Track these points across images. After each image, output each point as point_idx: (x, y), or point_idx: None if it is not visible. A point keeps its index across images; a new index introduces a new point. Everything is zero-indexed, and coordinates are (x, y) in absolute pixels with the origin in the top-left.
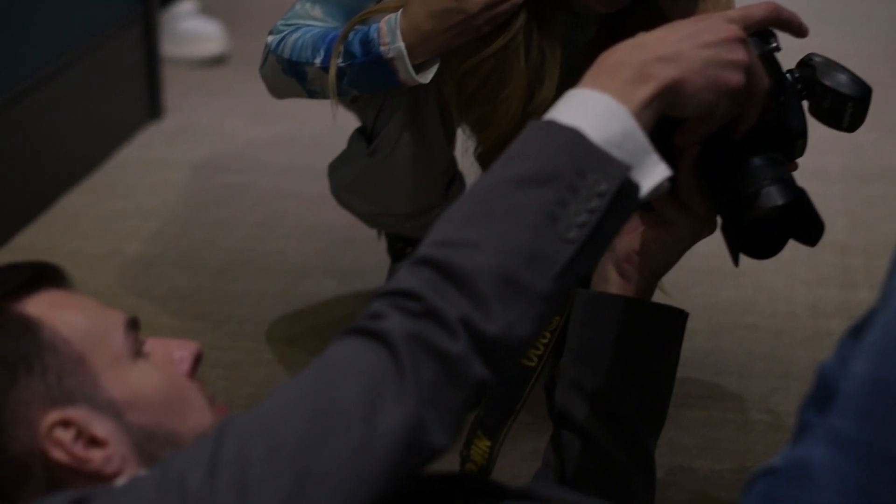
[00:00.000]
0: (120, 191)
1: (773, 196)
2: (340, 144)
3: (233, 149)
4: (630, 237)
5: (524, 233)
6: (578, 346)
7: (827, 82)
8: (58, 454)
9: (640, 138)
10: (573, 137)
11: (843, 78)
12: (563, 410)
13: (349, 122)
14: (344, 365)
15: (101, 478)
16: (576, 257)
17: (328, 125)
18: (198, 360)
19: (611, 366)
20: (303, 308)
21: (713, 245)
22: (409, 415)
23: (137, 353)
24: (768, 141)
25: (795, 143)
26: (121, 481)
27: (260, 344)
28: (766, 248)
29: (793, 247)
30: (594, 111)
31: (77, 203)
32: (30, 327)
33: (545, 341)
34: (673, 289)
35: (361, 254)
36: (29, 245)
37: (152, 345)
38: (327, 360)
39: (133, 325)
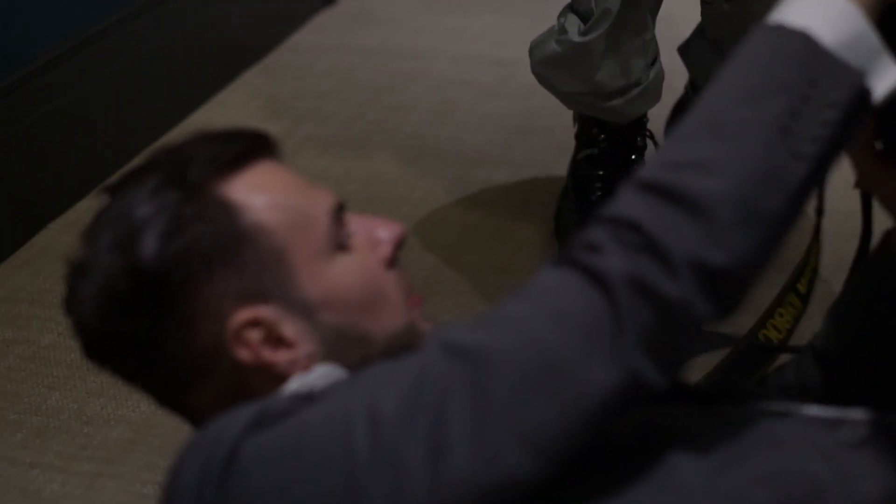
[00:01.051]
0: (294, 73)
1: None
2: (511, 35)
3: (406, 35)
4: None
5: (757, 150)
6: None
7: None
8: (244, 354)
9: (872, 39)
10: (804, 42)
11: None
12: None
13: (520, 12)
14: (559, 308)
15: (283, 378)
16: (810, 175)
17: (498, 17)
18: (400, 244)
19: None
20: (477, 194)
21: None
22: (625, 369)
23: (339, 245)
24: None
25: None
26: (303, 380)
27: (435, 229)
28: None
29: None
30: (824, 11)
31: (252, 84)
32: (230, 215)
33: (789, 326)
34: None
35: (536, 143)
36: (203, 123)
37: (355, 225)
38: (540, 296)
39: (339, 209)
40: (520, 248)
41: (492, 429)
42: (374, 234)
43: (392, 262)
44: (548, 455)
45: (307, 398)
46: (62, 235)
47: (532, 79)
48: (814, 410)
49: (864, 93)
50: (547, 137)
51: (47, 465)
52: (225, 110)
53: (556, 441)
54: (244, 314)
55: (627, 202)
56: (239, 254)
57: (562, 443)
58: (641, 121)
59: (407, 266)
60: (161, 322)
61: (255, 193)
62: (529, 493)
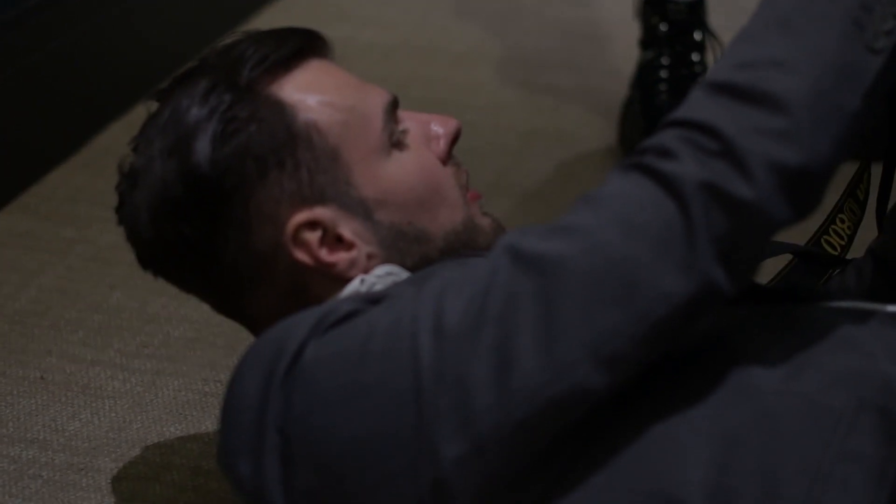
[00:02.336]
0: None
1: None
2: None
3: None
4: None
5: (831, 45)
6: None
7: None
8: (302, 256)
9: None
10: None
11: None
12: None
13: None
14: (629, 216)
15: (343, 279)
16: (884, 69)
17: None
18: (455, 139)
19: None
20: (541, 100)
21: None
22: (698, 278)
23: (394, 143)
24: None
25: None
26: (366, 280)
27: (497, 134)
28: None
29: None
30: None
31: None
32: (284, 116)
33: (850, 233)
34: None
35: (600, 49)
36: (263, 27)
37: (409, 122)
38: (610, 203)
39: (393, 106)
40: (584, 154)
41: (560, 340)
42: (429, 129)
43: (447, 158)
44: (618, 366)
45: (372, 301)
46: (122, 136)
47: None
48: (892, 308)
49: None
50: (611, 44)
51: (108, 362)
52: (286, 15)
53: (627, 352)
54: (301, 216)
55: (700, 105)
56: (294, 154)
57: (632, 353)
58: (702, 6)
59: (471, 170)
60: (218, 226)
61: (308, 93)
62: (598, 403)
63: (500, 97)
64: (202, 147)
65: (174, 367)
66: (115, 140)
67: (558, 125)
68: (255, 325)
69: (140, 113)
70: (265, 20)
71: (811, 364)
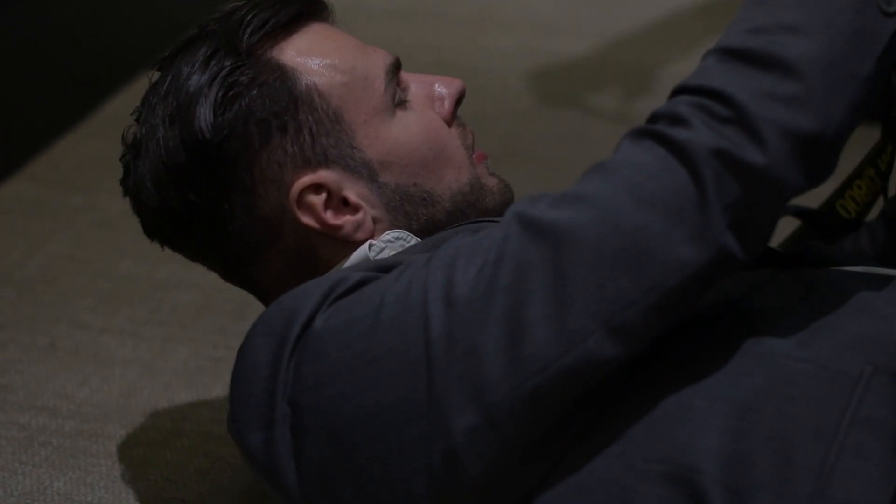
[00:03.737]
0: None
1: None
2: None
3: None
4: None
5: (844, 8)
6: None
7: None
8: (307, 219)
9: None
10: None
11: None
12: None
13: None
14: (641, 184)
15: (350, 242)
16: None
17: None
18: (459, 100)
19: None
20: (549, 64)
21: None
22: (711, 246)
23: (397, 103)
24: None
25: None
26: (373, 245)
27: (506, 99)
28: None
29: None
30: None
31: None
32: (286, 79)
33: (867, 200)
34: None
35: (609, 14)
36: None
37: (414, 83)
38: (622, 171)
39: (395, 68)
40: (594, 117)
41: (572, 310)
42: (433, 90)
43: (452, 118)
44: (630, 335)
45: (382, 269)
46: (130, 103)
47: None
48: None
49: None
50: (620, 9)
51: (118, 329)
52: None
53: (638, 321)
54: (305, 178)
55: (713, 71)
56: (296, 117)
57: (644, 322)
58: None
59: (480, 134)
60: (223, 192)
61: (309, 56)
62: (611, 372)
63: (508, 62)
64: (204, 113)
65: (183, 333)
66: (123, 107)
67: (567, 90)
68: (263, 293)
69: (147, 80)
70: None
71: (825, 329)
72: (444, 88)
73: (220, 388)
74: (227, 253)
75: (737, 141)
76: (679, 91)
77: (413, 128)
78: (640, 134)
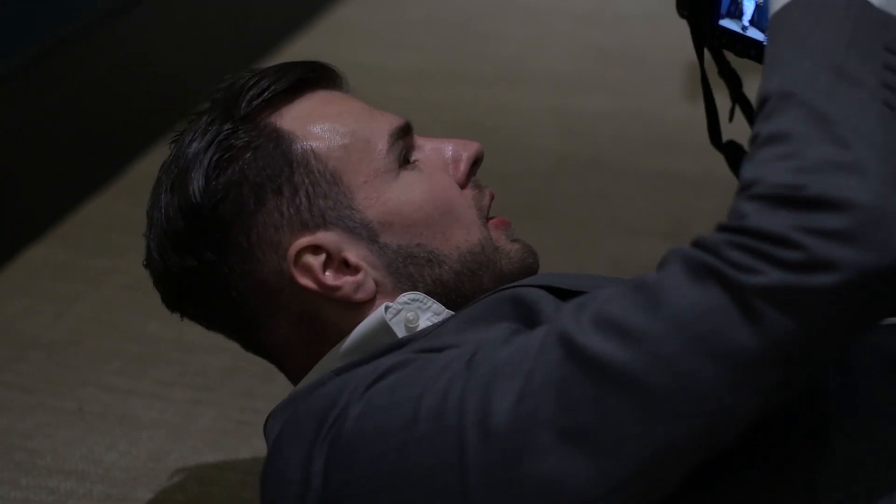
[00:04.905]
0: (387, 4)
1: None
2: None
3: None
4: None
5: (879, 135)
6: None
7: None
8: (305, 281)
9: None
10: (861, 10)
11: None
12: None
13: None
14: (706, 336)
15: (352, 305)
16: None
17: None
18: (477, 162)
19: None
20: (572, 123)
21: None
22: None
23: (403, 163)
24: None
25: None
26: (375, 308)
27: (531, 156)
28: None
29: None
30: None
31: (345, 16)
32: (281, 143)
33: None
34: None
35: (632, 71)
36: (298, 54)
37: (429, 146)
38: (680, 313)
39: (404, 131)
40: (618, 178)
41: (615, 453)
42: (448, 153)
43: (467, 180)
44: (666, 480)
45: (408, 344)
46: (157, 165)
47: (627, 8)
48: None
49: None
50: (643, 67)
51: (145, 392)
52: (317, 42)
53: (675, 471)
54: (303, 240)
55: (767, 219)
56: (291, 180)
57: (680, 469)
58: None
59: (504, 193)
60: (221, 256)
61: (307, 120)
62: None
63: (531, 120)
64: (197, 178)
65: (211, 396)
66: (150, 169)
67: (590, 148)
68: (277, 359)
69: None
70: (297, 48)
71: None
72: (460, 151)
73: (247, 452)
74: (234, 320)
75: (807, 286)
76: (734, 231)
77: (417, 188)
78: (696, 269)
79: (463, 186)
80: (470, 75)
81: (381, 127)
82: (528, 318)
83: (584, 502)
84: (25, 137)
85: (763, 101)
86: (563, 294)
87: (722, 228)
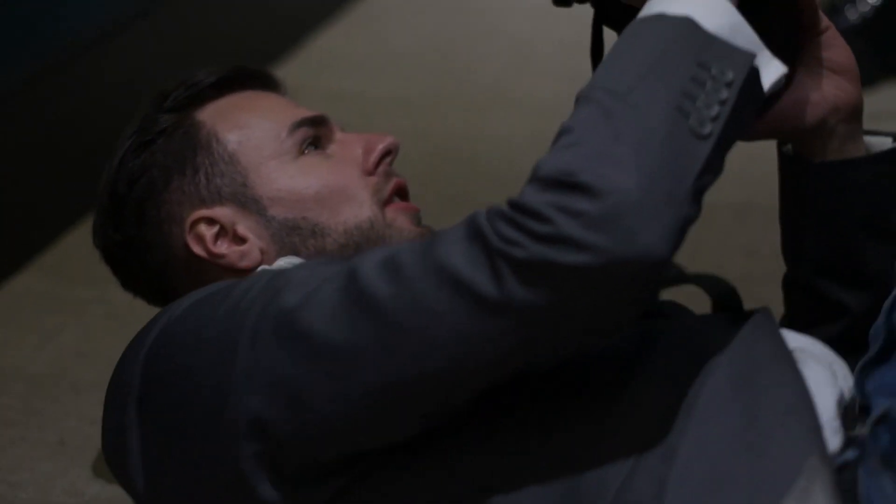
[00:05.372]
0: (369, 31)
1: None
2: None
3: None
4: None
5: (657, 134)
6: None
7: None
8: (197, 249)
9: (750, 32)
10: (688, 28)
11: None
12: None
13: None
14: (452, 275)
15: (240, 271)
16: (713, 154)
17: None
18: (387, 154)
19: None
20: None
21: None
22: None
23: (306, 150)
24: None
25: None
26: (262, 270)
27: (514, 183)
28: None
29: None
30: (700, 3)
31: (326, 43)
32: (190, 129)
33: None
34: None
35: None
36: None
37: (344, 140)
38: (442, 257)
39: (312, 122)
40: None
41: (350, 377)
42: (361, 145)
43: (374, 169)
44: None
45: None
46: None
47: (608, 34)
48: None
49: (755, 73)
50: None
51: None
52: (298, 71)
53: (407, 411)
54: (199, 213)
55: (531, 193)
56: (193, 161)
57: (412, 411)
58: None
59: None
60: (139, 231)
61: (223, 111)
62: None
63: (514, 147)
64: (117, 159)
65: None
66: None
67: None
68: None
69: None
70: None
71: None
72: (374, 143)
73: None
74: (156, 289)
75: (558, 258)
76: (499, 207)
77: (314, 171)
78: (473, 230)
79: (370, 174)
80: (452, 102)
81: (286, 116)
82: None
83: (320, 418)
84: (5, 168)
85: (577, 98)
86: None
87: (506, 203)
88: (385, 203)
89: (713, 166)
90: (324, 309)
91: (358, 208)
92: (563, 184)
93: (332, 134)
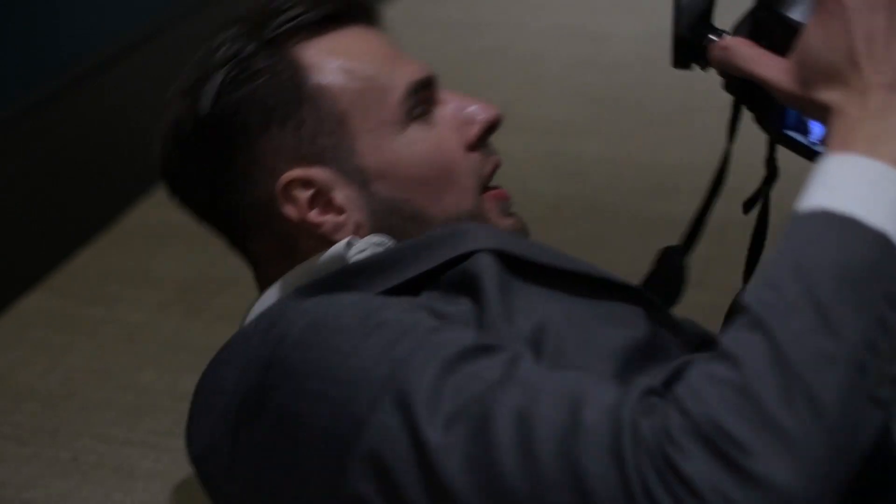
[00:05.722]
0: None
1: None
2: (600, 6)
3: (489, 9)
4: None
5: (832, 397)
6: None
7: None
8: (289, 211)
9: None
10: (882, 249)
11: None
12: None
13: None
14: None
15: (328, 242)
16: (885, 423)
17: None
18: (492, 127)
19: None
20: (567, 168)
21: None
22: None
23: (416, 116)
24: None
25: None
26: (353, 244)
27: (525, 202)
28: None
29: None
30: (883, 195)
31: None
32: (297, 74)
33: None
34: None
35: (627, 116)
36: None
37: (449, 102)
38: (583, 469)
39: (424, 84)
40: (610, 221)
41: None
42: (466, 112)
43: (477, 144)
44: None
45: (347, 278)
46: (151, 214)
47: (620, 54)
48: None
49: None
50: (638, 111)
51: (140, 442)
52: None
53: None
54: (295, 172)
55: (698, 459)
56: (298, 113)
57: None
58: None
59: None
60: (221, 167)
61: (330, 57)
62: None
63: (526, 166)
64: (211, 90)
65: None
66: (143, 219)
67: (585, 194)
68: (252, 262)
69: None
70: None
71: None
72: (478, 112)
73: None
74: (225, 225)
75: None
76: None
77: (421, 145)
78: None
79: (472, 149)
80: None
81: (401, 75)
82: (470, 289)
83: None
84: (17, 189)
85: (741, 308)
86: (514, 262)
87: (664, 437)
88: (483, 189)
89: (883, 435)
90: (454, 459)
91: (460, 196)
92: (730, 461)
93: (434, 94)
